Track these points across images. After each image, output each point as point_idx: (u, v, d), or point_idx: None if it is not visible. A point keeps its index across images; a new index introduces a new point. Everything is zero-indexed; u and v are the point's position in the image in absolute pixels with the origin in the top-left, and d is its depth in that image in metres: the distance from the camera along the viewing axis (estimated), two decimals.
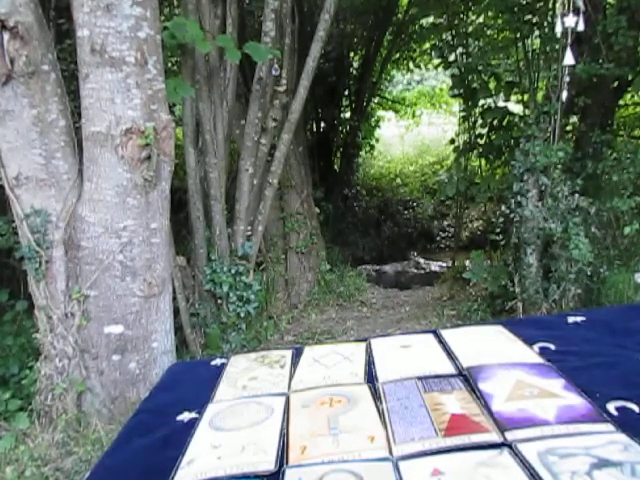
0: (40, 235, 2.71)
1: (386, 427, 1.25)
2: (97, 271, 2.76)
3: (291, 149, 4.91)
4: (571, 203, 3.84)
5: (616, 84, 5.00)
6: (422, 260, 8.22)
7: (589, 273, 3.87)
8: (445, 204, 9.22)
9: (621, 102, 5.73)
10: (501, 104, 5.29)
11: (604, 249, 4.15)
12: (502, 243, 4.38)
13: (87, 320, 2.79)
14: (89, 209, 2.72)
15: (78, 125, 2.79)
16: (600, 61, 4.15)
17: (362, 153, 9.17)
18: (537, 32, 4.71)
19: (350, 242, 7.79)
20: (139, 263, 2.80)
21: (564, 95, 3.64)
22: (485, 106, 5.44)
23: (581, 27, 2.81)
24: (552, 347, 1.60)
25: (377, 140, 9.54)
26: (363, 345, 1.78)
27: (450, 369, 1.51)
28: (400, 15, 7.67)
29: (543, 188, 4.00)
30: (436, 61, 6.95)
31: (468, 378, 1.42)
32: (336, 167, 8.41)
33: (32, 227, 2.71)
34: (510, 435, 1.15)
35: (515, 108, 5.29)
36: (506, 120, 5.18)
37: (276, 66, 4.21)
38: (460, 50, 5.70)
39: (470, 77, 5.52)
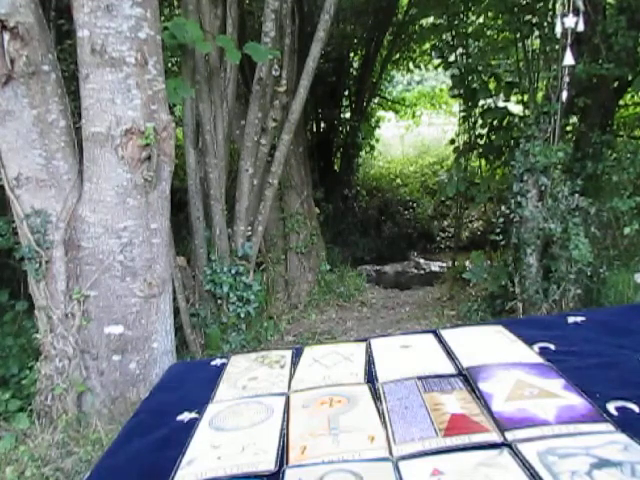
0: (40, 235, 2.71)
1: (386, 427, 1.25)
2: (97, 271, 2.76)
3: (291, 149, 4.91)
4: (571, 203, 3.84)
5: (616, 84, 5.00)
6: (422, 260, 8.22)
7: (589, 273, 3.87)
8: (445, 204, 9.22)
9: (621, 102, 5.72)
10: (501, 104, 5.29)
11: (604, 249, 4.15)
12: (502, 243, 4.38)
13: (87, 320, 2.79)
14: (89, 209, 2.72)
15: (78, 125, 2.79)
16: (600, 61, 4.15)
17: (362, 153, 9.16)
18: (537, 32, 4.70)
19: (350, 242, 7.79)
20: (139, 263, 2.80)
21: (564, 95, 3.64)
22: (485, 106, 5.44)
23: (581, 27, 2.81)
24: (552, 347, 1.60)
25: (377, 140, 9.54)
26: (363, 345, 1.78)
27: (450, 369, 1.51)
28: (400, 15, 7.68)
29: (543, 188, 4.00)
30: (436, 61, 6.95)
31: (468, 378, 1.42)
32: (336, 167, 8.41)
33: (32, 227, 2.71)
34: (510, 435, 1.15)
35: (515, 108, 5.29)
36: (506, 120, 5.18)
37: (276, 66, 4.21)
38: (460, 50, 5.70)
39: (470, 77, 5.52)
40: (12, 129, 2.61)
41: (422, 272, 7.67)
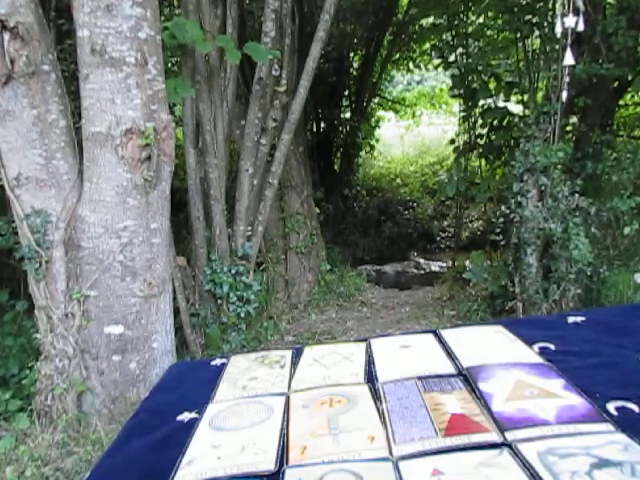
0: (40, 235, 2.71)
1: (386, 427, 1.25)
2: (97, 271, 2.76)
3: (291, 149, 4.91)
4: (571, 203, 3.84)
5: (616, 84, 5.00)
6: (422, 260, 8.22)
7: (589, 273, 3.87)
8: (445, 204, 9.23)
9: (621, 102, 5.73)
10: (501, 104, 5.29)
11: (604, 249, 4.15)
12: (502, 243, 4.37)
13: (87, 320, 2.79)
14: (89, 209, 2.72)
15: (78, 125, 2.79)
16: (600, 61, 4.15)
17: (362, 153, 9.17)
18: (537, 32, 4.70)
19: (350, 242, 7.79)
20: (139, 263, 2.80)
21: (564, 95, 3.64)
22: (485, 106, 5.44)
23: (581, 27, 2.81)
24: (552, 347, 1.60)
25: (377, 140, 9.54)
26: (363, 345, 1.78)
27: (450, 369, 1.51)
28: (400, 15, 7.68)
29: (543, 188, 4.00)
30: (436, 61, 6.96)
31: (468, 378, 1.42)
32: (336, 167, 8.41)
33: (32, 227, 2.71)
34: (510, 435, 1.15)
35: (515, 108, 5.29)
36: (506, 120, 5.18)
37: (276, 66, 4.21)
38: (460, 50, 5.70)
39: (470, 77, 5.52)
40: (12, 129, 2.61)
41: (422, 272, 7.66)
